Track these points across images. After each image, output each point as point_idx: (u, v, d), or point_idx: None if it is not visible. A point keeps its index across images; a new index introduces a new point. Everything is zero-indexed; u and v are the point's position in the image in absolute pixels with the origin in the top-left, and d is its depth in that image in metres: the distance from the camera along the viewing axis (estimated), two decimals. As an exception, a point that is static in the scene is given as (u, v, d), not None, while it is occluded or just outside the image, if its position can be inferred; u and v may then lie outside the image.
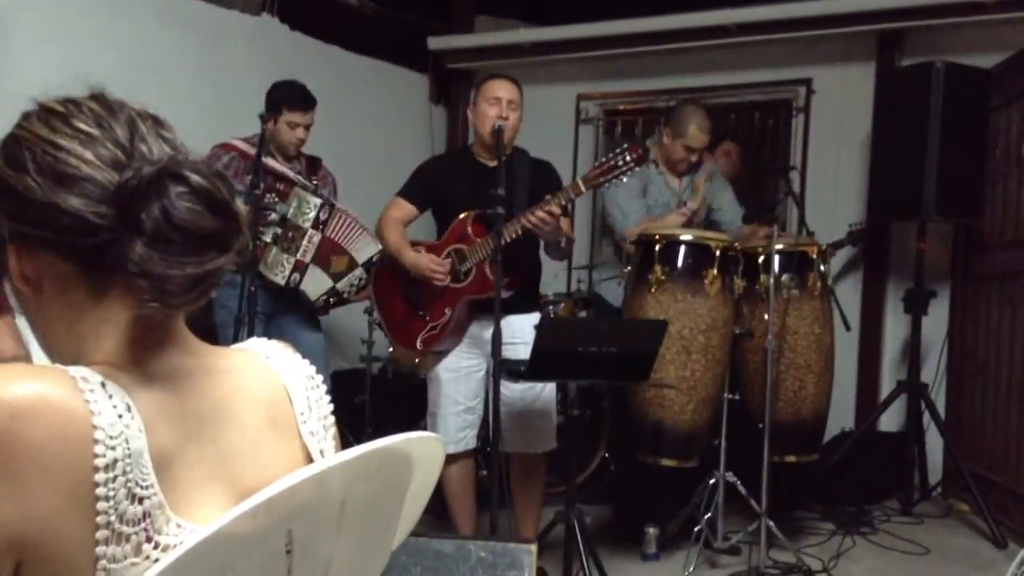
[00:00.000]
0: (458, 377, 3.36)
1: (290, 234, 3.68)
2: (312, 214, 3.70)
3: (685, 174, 4.14)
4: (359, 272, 3.77)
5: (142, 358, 0.92)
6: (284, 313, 3.83)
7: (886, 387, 4.95)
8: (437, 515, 3.64)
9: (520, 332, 3.26)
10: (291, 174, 3.80)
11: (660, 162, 4.13)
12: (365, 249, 3.76)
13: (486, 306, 3.12)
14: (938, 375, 4.74)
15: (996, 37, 4.60)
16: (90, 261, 0.90)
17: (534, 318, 3.36)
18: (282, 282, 3.69)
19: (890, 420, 4.80)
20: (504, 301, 3.04)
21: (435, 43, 5.90)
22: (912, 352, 4.52)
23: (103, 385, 0.85)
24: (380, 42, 5.67)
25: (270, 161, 3.69)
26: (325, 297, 3.77)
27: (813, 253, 3.71)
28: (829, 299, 3.74)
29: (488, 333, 3.05)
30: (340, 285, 3.77)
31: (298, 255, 3.68)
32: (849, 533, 3.96)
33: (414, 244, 3.39)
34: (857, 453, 4.42)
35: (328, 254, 3.73)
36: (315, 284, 3.74)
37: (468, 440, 3.38)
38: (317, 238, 3.70)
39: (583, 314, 4.74)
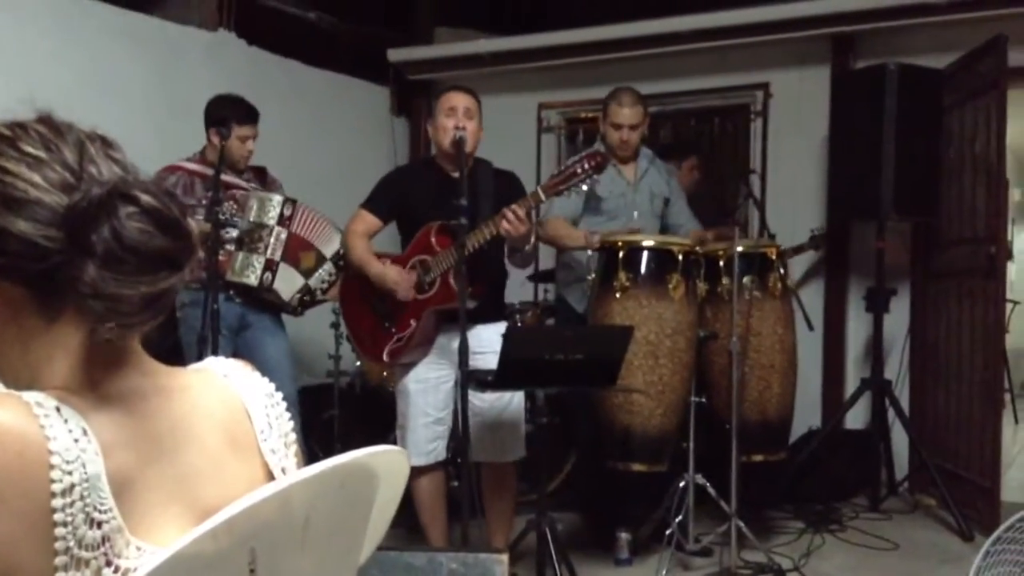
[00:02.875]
0: (427, 388, 3.35)
1: (256, 235, 3.66)
2: (276, 211, 3.69)
3: (630, 159, 4.12)
4: (328, 267, 3.76)
5: (97, 381, 0.92)
6: (250, 325, 3.80)
7: (851, 385, 5.00)
8: (408, 528, 3.62)
9: (488, 342, 3.26)
10: (245, 184, 3.80)
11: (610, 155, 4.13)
12: (331, 242, 3.76)
13: (453, 316, 3.12)
14: (901, 371, 4.80)
15: (947, 38, 4.68)
16: (41, 285, 0.89)
17: (501, 327, 3.36)
18: (255, 283, 3.66)
19: (856, 418, 4.85)
20: (470, 311, 3.04)
21: (395, 55, 5.90)
22: (875, 350, 4.58)
23: (58, 410, 0.85)
24: (339, 55, 5.66)
25: (222, 176, 3.67)
26: (299, 296, 3.76)
27: (773, 255, 3.75)
28: (790, 300, 3.79)
29: (455, 343, 3.05)
30: (312, 282, 3.76)
31: (268, 254, 3.67)
32: (818, 531, 4.00)
33: (379, 257, 3.38)
34: (824, 451, 4.46)
35: (297, 250, 3.73)
36: (287, 283, 3.72)
37: (438, 452, 3.37)
38: (284, 235, 3.69)
39: (550, 322, 4.75)
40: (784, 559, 3.59)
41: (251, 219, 3.67)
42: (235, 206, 3.69)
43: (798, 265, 5.04)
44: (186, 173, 3.72)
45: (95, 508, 0.83)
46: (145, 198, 0.87)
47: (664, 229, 4.23)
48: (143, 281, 0.86)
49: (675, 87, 5.48)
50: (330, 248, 3.76)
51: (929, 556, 3.78)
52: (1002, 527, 2.37)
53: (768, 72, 5.34)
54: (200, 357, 3.22)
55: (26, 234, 0.87)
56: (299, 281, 3.73)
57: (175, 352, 3.55)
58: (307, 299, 3.79)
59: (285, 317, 3.99)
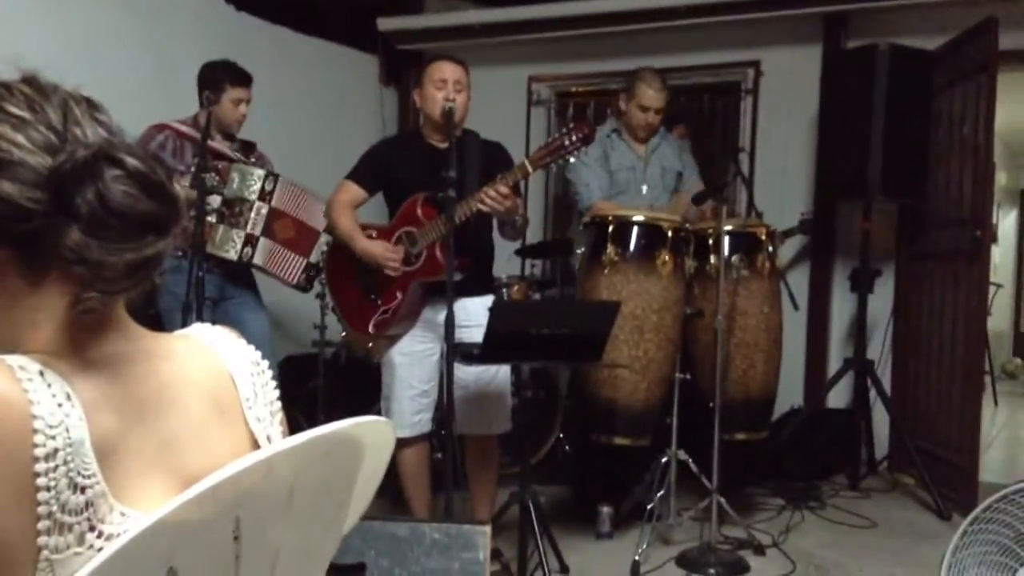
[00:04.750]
0: (412, 361, 3.35)
1: (236, 209, 3.63)
2: (257, 186, 3.66)
3: (647, 139, 4.16)
4: (325, 237, 3.75)
5: (81, 345, 0.91)
6: (230, 297, 3.79)
7: (834, 365, 5.04)
8: (393, 498, 3.63)
9: (474, 315, 3.26)
10: (230, 152, 3.76)
11: (624, 131, 4.16)
12: (316, 215, 3.74)
13: (439, 289, 3.11)
14: (884, 352, 4.84)
15: (939, 19, 4.67)
16: (25, 247, 0.88)
17: (487, 300, 3.35)
18: (235, 257, 3.64)
19: (838, 397, 4.89)
20: (457, 284, 3.04)
21: (385, 24, 5.84)
22: (858, 330, 4.61)
23: (41, 374, 0.84)
24: (329, 23, 5.59)
25: (210, 142, 3.64)
26: (304, 275, 3.76)
27: (762, 234, 3.76)
28: (777, 279, 3.80)
29: (441, 316, 3.04)
30: (314, 257, 3.75)
31: (248, 229, 3.65)
32: (798, 508, 4.04)
33: (364, 228, 3.36)
34: (806, 430, 4.50)
35: (277, 224, 3.70)
36: (266, 255, 3.71)
37: (423, 423, 3.38)
38: (265, 210, 3.67)
39: (537, 296, 4.76)
40: (764, 535, 3.63)
41: (233, 191, 3.64)
42: (216, 177, 3.65)
43: (787, 250, 5.05)
44: (176, 134, 3.68)
45: (79, 473, 0.83)
46: (131, 161, 0.86)
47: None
48: (127, 247, 0.85)
49: (666, 63, 5.42)
50: (316, 221, 3.75)
51: (907, 534, 3.83)
52: (980, 507, 2.40)
53: (759, 50, 5.32)
54: (184, 325, 3.21)
55: (9, 195, 0.86)
56: (286, 255, 3.72)
57: (155, 319, 3.54)
58: (312, 275, 3.80)
59: (271, 285, 3.98)
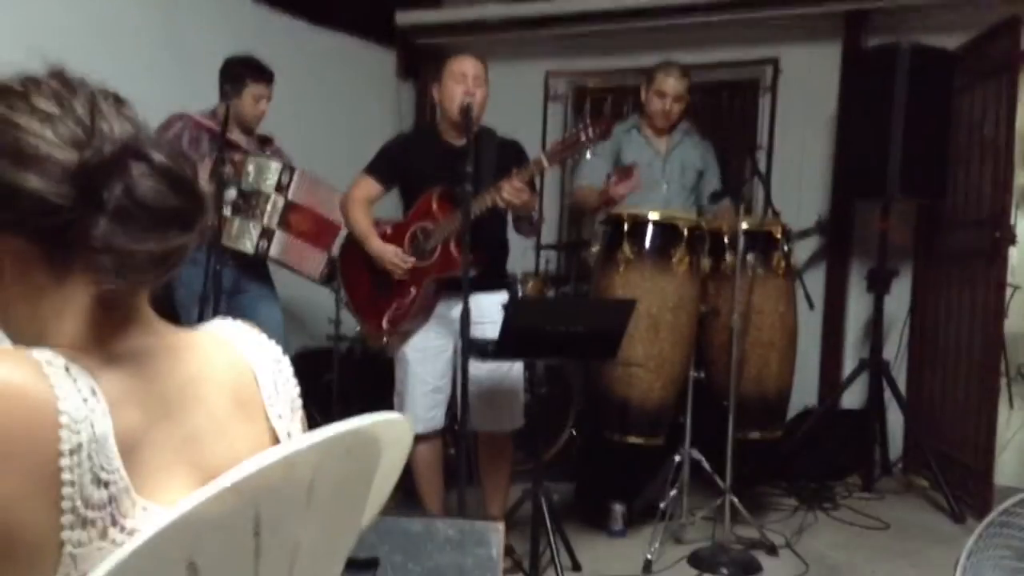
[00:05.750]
0: (426, 357, 3.35)
1: (252, 201, 3.64)
2: (273, 179, 3.66)
3: (668, 131, 4.15)
4: (344, 232, 3.77)
5: (105, 339, 0.91)
6: (245, 290, 3.80)
7: (849, 365, 5.01)
8: (406, 493, 3.64)
9: (488, 311, 3.26)
10: (246, 145, 3.77)
11: (644, 126, 4.15)
12: (334, 209, 3.74)
13: (453, 285, 3.11)
14: (899, 353, 4.81)
15: (960, 18, 4.64)
16: (51, 241, 0.88)
17: (501, 297, 3.36)
18: (251, 250, 3.65)
19: (852, 397, 4.87)
20: (471, 279, 3.03)
21: (403, 18, 5.84)
22: (874, 330, 4.59)
23: (67, 368, 0.84)
24: (346, 16, 5.59)
25: (230, 135, 3.65)
26: (326, 269, 3.78)
27: (777, 233, 3.74)
28: (793, 278, 3.78)
29: (455, 312, 3.04)
30: (335, 251, 3.77)
31: (264, 221, 3.65)
32: (811, 509, 4.03)
33: (378, 224, 3.37)
34: (820, 430, 4.48)
35: (294, 217, 3.71)
36: (282, 248, 3.72)
37: (436, 419, 3.38)
38: (281, 202, 3.68)
39: (551, 293, 4.76)
40: (776, 536, 3.62)
41: (249, 184, 3.65)
42: (232, 170, 3.66)
43: (802, 250, 5.03)
44: (194, 125, 3.68)
45: (102, 468, 0.83)
46: (157, 157, 0.86)
47: (697, 202, 4.24)
48: (153, 238, 0.85)
49: (684, 59, 5.37)
50: (335, 215, 3.75)
51: (920, 536, 3.81)
52: (995, 511, 2.38)
53: (778, 47, 5.29)
54: (200, 317, 3.23)
55: (37, 190, 0.86)
56: (304, 249, 3.74)
57: (171, 312, 3.55)
58: (333, 269, 3.82)
59: (286, 278, 3.99)
